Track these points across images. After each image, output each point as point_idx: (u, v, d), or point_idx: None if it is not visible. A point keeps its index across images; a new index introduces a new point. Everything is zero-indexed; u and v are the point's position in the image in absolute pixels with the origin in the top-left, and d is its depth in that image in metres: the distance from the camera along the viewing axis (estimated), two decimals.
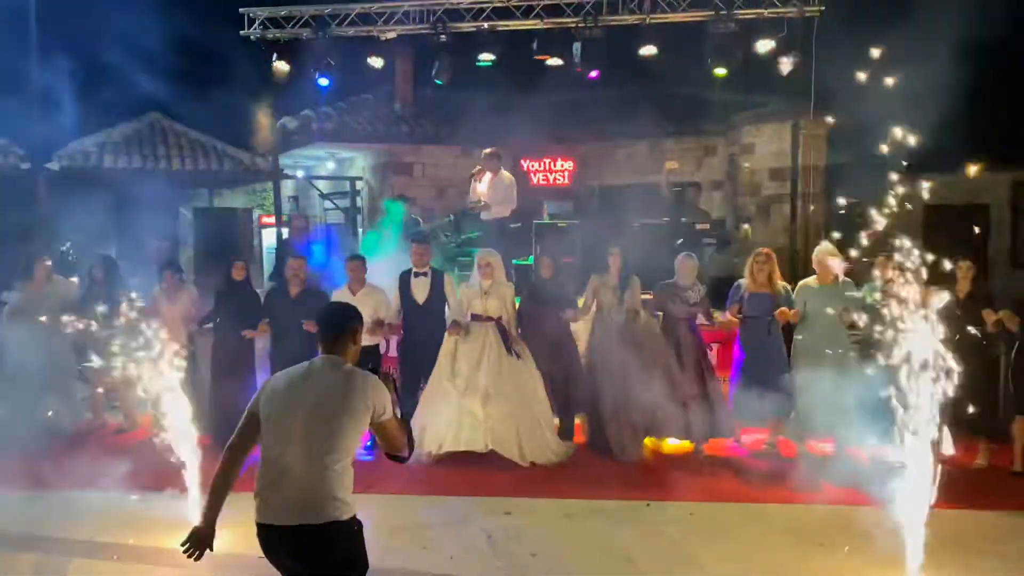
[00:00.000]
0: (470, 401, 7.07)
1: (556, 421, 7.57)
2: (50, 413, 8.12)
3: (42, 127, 11.63)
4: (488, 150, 10.19)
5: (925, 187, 6.09)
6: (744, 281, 7.54)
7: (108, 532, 5.59)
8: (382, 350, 8.01)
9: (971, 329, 6.56)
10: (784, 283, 7.59)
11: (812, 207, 11.17)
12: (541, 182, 13.68)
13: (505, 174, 10.10)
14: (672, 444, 7.57)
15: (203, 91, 12.21)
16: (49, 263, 8.32)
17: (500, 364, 7.17)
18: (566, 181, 13.54)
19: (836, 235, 4.92)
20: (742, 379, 7.55)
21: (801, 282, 7.60)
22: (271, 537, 3.21)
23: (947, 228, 11.36)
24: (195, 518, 5.19)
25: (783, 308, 7.26)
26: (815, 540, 5.46)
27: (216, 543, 3.28)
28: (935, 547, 4.84)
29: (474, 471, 6.94)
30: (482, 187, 10.03)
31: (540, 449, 7.12)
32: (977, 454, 7.08)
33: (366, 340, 7.24)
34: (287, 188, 14.07)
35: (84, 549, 5.37)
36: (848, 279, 7.25)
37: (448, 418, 7.09)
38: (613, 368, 7.26)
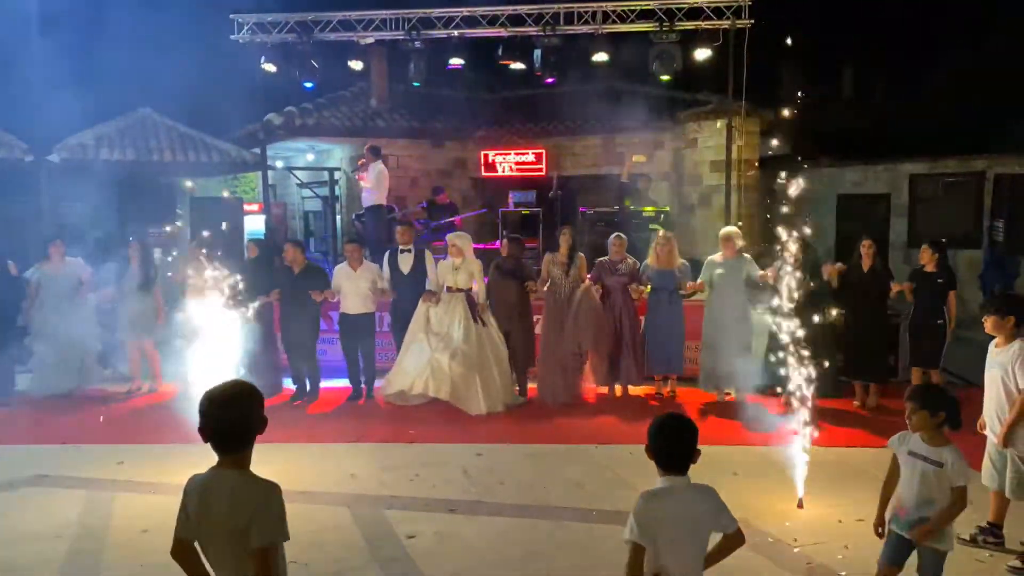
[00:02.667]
0: (440, 355, 8.34)
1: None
2: (107, 371, 9.39)
3: (43, 122, 12.32)
4: (369, 144, 11.25)
5: (839, 178, 7.22)
6: (649, 261, 8.68)
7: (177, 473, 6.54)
8: (376, 326, 9.13)
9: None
10: (683, 260, 8.73)
11: (745, 196, 12.36)
12: (506, 173, 14.37)
13: (381, 166, 11.13)
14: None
15: (194, 89, 12.89)
16: (63, 246, 9.15)
17: (467, 329, 8.40)
18: (529, 172, 14.43)
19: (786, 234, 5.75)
20: (648, 340, 8.74)
21: (708, 257, 8.66)
22: None
23: (856, 214, 12.69)
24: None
25: (691, 283, 8.46)
26: (729, 471, 6.42)
27: None
28: (824, 475, 5.74)
29: (450, 424, 7.95)
30: (368, 175, 11.12)
31: (493, 400, 8.30)
32: (867, 397, 8.29)
33: (365, 308, 8.64)
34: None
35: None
36: (746, 255, 8.35)
37: (420, 366, 8.37)
38: (561, 328, 8.53)
